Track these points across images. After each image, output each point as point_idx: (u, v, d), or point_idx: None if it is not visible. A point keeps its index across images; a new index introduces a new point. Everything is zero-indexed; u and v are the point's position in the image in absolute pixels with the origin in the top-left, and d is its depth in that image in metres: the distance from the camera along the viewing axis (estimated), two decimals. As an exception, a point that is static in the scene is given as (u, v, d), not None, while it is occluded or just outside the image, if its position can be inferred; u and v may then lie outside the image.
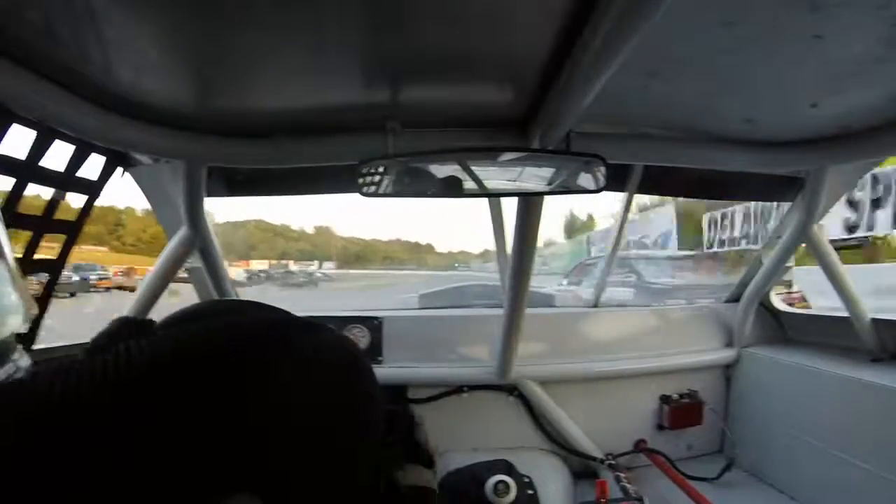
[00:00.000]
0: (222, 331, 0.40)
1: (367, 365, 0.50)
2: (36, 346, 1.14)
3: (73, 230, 1.12)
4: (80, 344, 1.43)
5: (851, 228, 5.33)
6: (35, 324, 1.11)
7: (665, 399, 1.87)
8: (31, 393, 0.29)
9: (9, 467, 0.25)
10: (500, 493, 1.12)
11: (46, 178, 0.98)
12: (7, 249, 0.48)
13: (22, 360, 0.44)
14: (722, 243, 7.43)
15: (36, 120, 0.87)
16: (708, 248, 7.76)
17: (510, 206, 1.39)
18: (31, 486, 0.25)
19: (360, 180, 1.05)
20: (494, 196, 1.54)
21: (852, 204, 5.20)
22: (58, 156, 0.98)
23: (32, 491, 0.25)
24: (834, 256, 1.57)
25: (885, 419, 1.31)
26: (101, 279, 11.30)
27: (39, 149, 0.92)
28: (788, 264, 1.73)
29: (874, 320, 1.56)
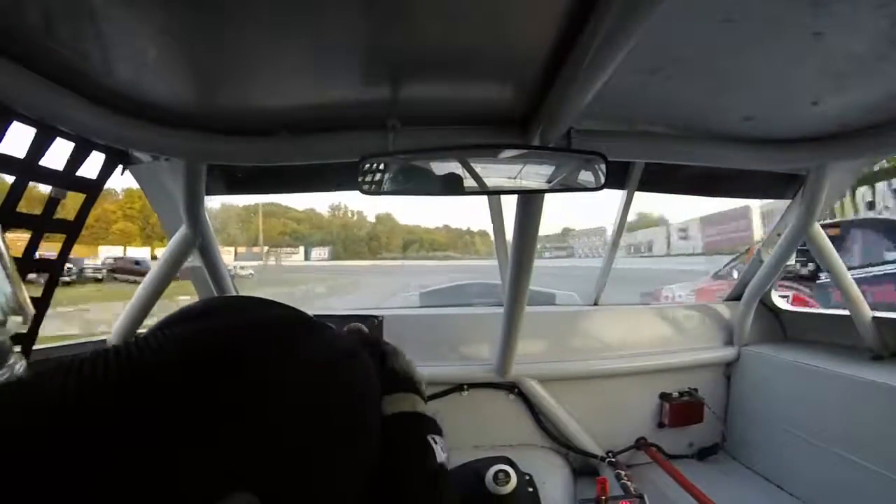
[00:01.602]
0: (225, 331, 0.40)
1: (367, 365, 0.50)
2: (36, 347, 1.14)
3: (72, 229, 1.12)
4: (81, 344, 1.43)
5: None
6: (35, 324, 1.11)
7: (665, 397, 1.88)
8: (38, 393, 0.29)
9: (15, 467, 0.25)
10: (501, 483, 1.11)
11: (46, 176, 0.98)
12: (4, 253, 0.48)
13: (18, 365, 0.44)
14: None
15: (36, 118, 0.87)
16: None
17: (510, 205, 1.39)
18: (35, 485, 0.25)
19: (361, 178, 1.04)
20: (494, 194, 1.54)
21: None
22: (57, 155, 0.98)
23: (37, 490, 0.25)
24: (835, 254, 1.56)
25: (886, 417, 1.31)
26: None
27: (39, 147, 0.92)
28: (789, 263, 1.73)
29: (875, 318, 1.56)
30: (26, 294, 0.52)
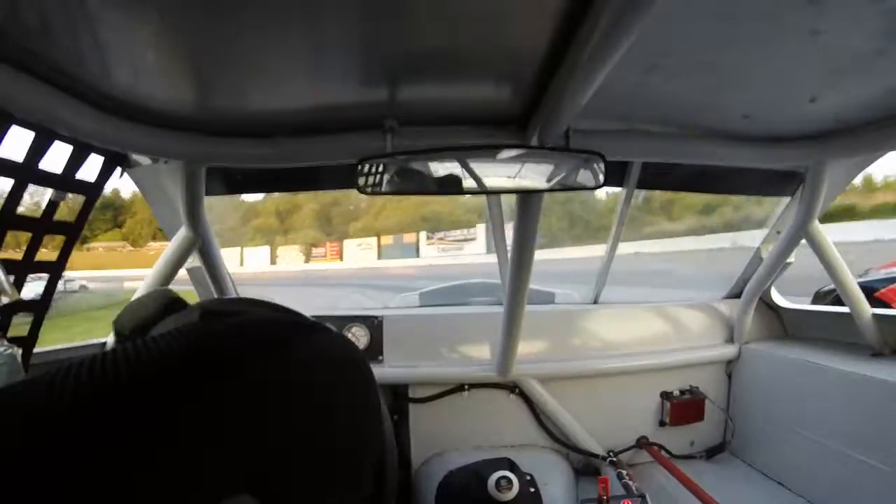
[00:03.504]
0: (223, 332, 0.40)
1: (366, 366, 0.50)
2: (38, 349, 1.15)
3: (72, 231, 1.12)
4: (82, 346, 1.42)
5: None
6: (36, 326, 1.11)
7: (666, 395, 1.87)
8: (37, 394, 0.29)
9: (13, 468, 0.25)
10: (503, 490, 1.12)
11: (45, 179, 0.98)
12: None
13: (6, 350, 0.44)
14: None
15: (34, 122, 0.87)
16: None
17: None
18: (35, 487, 0.25)
19: (360, 179, 1.05)
20: (493, 193, 1.54)
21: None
22: (57, 157, 0.98)
23: (37, 492, 0.25)
24: (834, 252, 1.56)
25: (887, 414, 1.31)
26: None
27: (38, 150, 0.92)
28: (789, 260, 1.73)
29: (875, 315, 1.55)
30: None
